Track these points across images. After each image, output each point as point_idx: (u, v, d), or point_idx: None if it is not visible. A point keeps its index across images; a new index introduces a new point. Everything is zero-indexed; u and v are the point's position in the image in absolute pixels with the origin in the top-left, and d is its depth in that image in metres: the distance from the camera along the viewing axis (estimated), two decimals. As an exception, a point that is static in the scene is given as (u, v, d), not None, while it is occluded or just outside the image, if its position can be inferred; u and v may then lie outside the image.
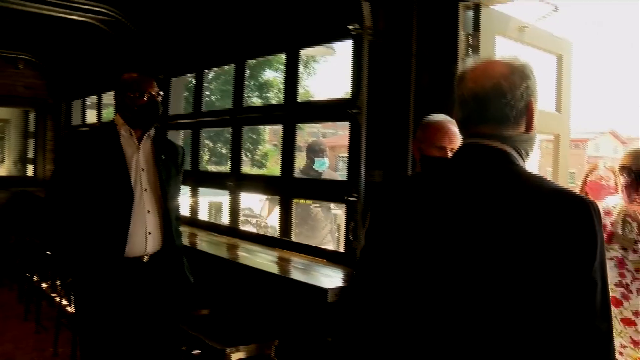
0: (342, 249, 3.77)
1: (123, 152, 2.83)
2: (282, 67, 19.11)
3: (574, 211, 1.15)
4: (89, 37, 5.83)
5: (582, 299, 1.13)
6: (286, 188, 3.99)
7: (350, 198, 3.32)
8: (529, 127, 1.30)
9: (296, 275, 3.30)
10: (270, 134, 33.67)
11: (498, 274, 1.17)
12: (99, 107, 7.10)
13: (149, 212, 2.85)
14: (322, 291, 2.82)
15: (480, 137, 1.29)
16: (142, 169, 2.87)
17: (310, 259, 3.61)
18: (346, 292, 2.80)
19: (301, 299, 3.14)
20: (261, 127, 25.25)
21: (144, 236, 2.83)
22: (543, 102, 3.33)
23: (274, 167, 28.50)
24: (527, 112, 1.28)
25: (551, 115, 3.34)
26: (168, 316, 3.03)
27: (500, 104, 1.27)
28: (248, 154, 26.95)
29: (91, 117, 7.71)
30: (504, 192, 1.21)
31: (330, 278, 3.09)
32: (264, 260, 3.64)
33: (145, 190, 2.86)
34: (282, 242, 3.95)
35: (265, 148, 30.91)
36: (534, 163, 3.77)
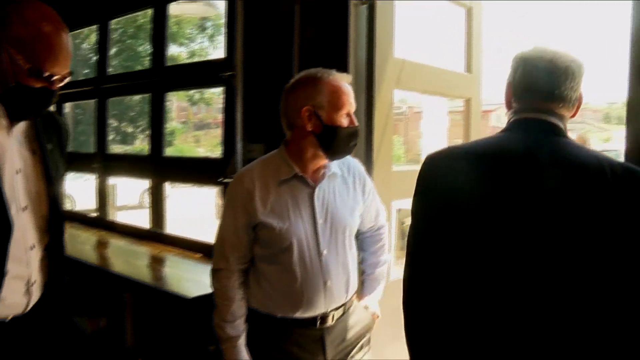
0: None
1: None
2: (187, 41, 18.10)
3: None
4: None
5: None
6: (155, 169, 3.33)
7: (226, 179, 2.72)
8: (574, 114, 1.40)
9: (161, 278, 2.68)
10: (178, 111, 32.48)
11: (574, 250, 1.22)
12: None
13: (32, 247, 1.57)
14: (185, 302, 2.24)
15: (546, 114, 1.35)
16: (18, 171, 1.57)
17: (184, 254, 3.05)
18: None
19: (167, 309, 2.53)
20: (167, 102, 23.91)
21: (23, 291, 1.57)
22: (451, 61, 2.82)
23: (182, 146, 27.48)
24: (579, 101, 1.38)
25: (461, 76, 2.87)
26: None
27: (568, 86, 1.34)
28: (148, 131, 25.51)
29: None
30: (578, 171, 1.26)
31: (197, 283, 2.51)
32: (132, 259, 3.00)
33: (25, 209, 1.57)
34: (154, 236, 3.30)
35: (172, 125, 29.74)
36: (443, 134, 3.38)
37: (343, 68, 2.27)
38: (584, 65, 1.37)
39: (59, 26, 1.50)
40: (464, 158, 1.35)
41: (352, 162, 1.98)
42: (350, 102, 1.79)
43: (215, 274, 1.86)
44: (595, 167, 1.24)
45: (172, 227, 3.50)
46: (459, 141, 2.95)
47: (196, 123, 32.29)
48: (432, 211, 1.35)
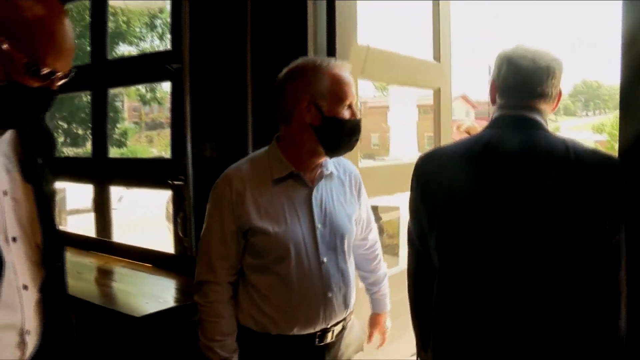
0: (172, 250, 2.88)
1: None
2: (136, 40, 17.60)
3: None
4: None
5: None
6: (99, 172, 3.04)
7: (176, 182, 2.46)
8: (554, 108, 1.50)
9: (108, 295, 2.41)
10: (130, 111, 31.80)
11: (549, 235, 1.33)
12: None
13: (25, 288, 1.25)
14: (135, 321, 1.99)
15: (527, 110, 1.44)
16: (4, 193, 1.25)
17: (133, 265, 2.79)
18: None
19: (115, 330, 2.26)
20: (118, 102, 23.30)
21: (15, 343, 1.25)
22: (419, 49, 2.63)
23: (135, 146, 26.89)
24: (559, 96, 1.48)
25: (429, 65, 2.69)
26: None
27: (549, 83, 1.44)
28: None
29: None
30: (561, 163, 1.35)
31: (149, 298, 2.24)
32: (76, 273, 2.71)
33: (14, 240, 1.24)
34: (101, 245, 3.02)
35: (124, 125, 29.05)
36: (412, 129, 3.19)
37: (301, 55, 2.05)
38: (563, 63, 1.47)
39: (60, 10, 1.18)
40: (451, 157, 1.49)
41: (347, 163, 1.80)
42: (353, 93, 1.65)
43: (200, 288, 1.65)
44: (561, 154, 1.35)
45: (127, 231, 3.22)
46: (428, 134, 2.79)
47: (148, 123, 31.69)
48: (427, 206, 1.51)
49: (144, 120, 29.59)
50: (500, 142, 1.42)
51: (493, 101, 1.52)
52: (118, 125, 26.64)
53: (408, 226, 1.63)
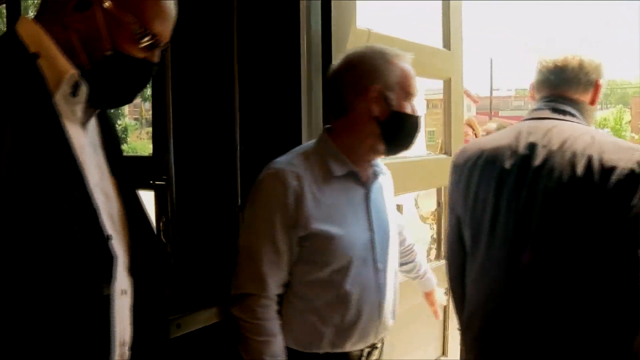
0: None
1: (71, 148, 1.00)
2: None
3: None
4: None
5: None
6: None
7: (157, 182, 2.21)
8: (593, 100, 1.57)
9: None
10: (130, 107, 31.64)
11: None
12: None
13: (124, 292, 1.08)
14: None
15: (559, 101, 1.55)
16: (95, 186, 1.05)
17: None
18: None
19: None
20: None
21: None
22: (427, 37, 2.38)
23: (135, 143, 26.75)
24: (595, 87, 1.56)
25: (439, 53, 2.44)
26: None
27: (579, 74, 1.54)
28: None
29: None
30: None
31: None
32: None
33: (109, 239, 1.03)
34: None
35: (125, 122, 28.83)
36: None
37: (293, 41, 1.80)
38: (597, 59, 1.56)
39: None
40: (484, 149, 1.58)
41: (381, 163, 1.69)
42: (418, 89, 1.57)
43: (242, 301, 1.46)
44: (584, 145, 1.41)
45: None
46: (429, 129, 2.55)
47: (149, 119, 31.53)
48: (462, 195, 1.61)
49: (144, 117, 29.37)
50: (530, 133, 1.51)
51: (532, 98, 1.65)
52: (118, 122, 26.50)
53: (448, 215, 1.74)
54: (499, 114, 47.40)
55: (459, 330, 1.75)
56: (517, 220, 1.47)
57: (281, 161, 1.51)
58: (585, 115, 1.55)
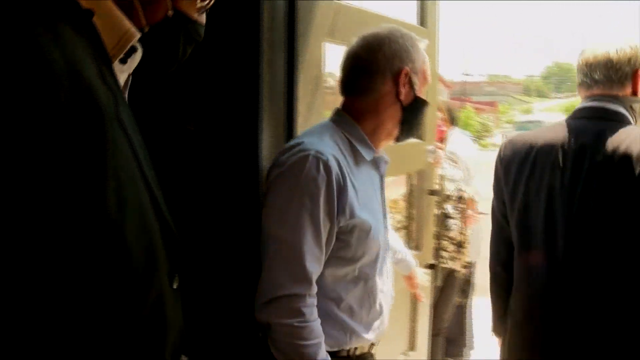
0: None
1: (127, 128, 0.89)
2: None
3: None
4: None
5: None
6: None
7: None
8: (635, 91, 1.61)
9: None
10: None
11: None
12: None
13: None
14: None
15: (593, 100, 1.65)
16: None
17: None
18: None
19: None
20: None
21: None
22: (401, 13, 2.21)
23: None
24: (634, 78, 1.60)
25: (414, 30, 2.27)
26: None
27: (610, 68, 1.60)
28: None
29: None
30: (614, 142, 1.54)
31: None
32: None
33: None
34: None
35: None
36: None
37: (253, 15, 1.60)
38: (629, 49, 1.58)
39: None
40: (532, 143, 1.70)
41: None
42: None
43: (285, 305, 1.30)
44: (637, 151, 1.49)
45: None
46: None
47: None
48: (508, 187, 1.73)
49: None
50: (580, 133, 1.62)
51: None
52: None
53: (492, 205, 1.85)
54: (472, 99, 47.75)
55: (509, 314, 1.82)
56: (573, 217, 1.58)
57: (313, 142, 1.36)
58: (633, 108, 1.62)
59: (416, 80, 1.46)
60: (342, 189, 1.33)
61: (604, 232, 1.53)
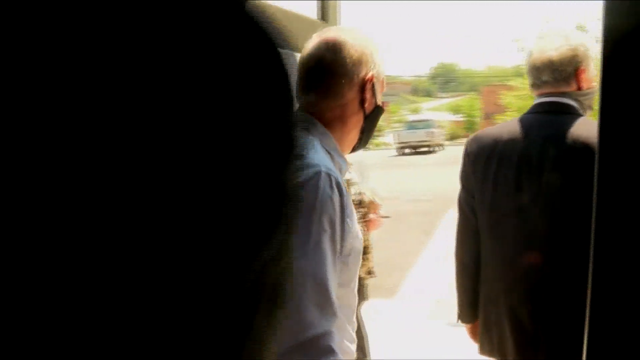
0: None
1: None
2: None
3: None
4: None
5: None
6: None
7: None
8: (579, 87, 1.79)
9: None
10: None
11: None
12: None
13: None
14: None
15: (545, 96, 1.84)
16: None
17: None
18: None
19: None
20: None
21: None
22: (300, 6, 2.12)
23: None
24: (575, 76, 1.78)
25: (313, 24, 2.12)
26: None
27: (555, 68, 1.78)
28: None
29: None
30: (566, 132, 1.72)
31: None
32: None
33: None
34: None
35: None
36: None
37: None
38: (569, 51, 1.75)
39: None
40: (497, 137, 1.83)
41: None
42: None
43: (318, 344, 1.14)
44: (584, 137, 1.68)
45: None
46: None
47: None
48: (477, 177, 1.86)
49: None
50: (541, 126, 1.78)
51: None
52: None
53: (459, 197, 1.95)
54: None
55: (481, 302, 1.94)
56: (544, 202, 1.71)
57: (320, 159, 1.22)
58: (581, 101, 1.80)
59: (378, 88, 1.36)
60: (349, 210, 1.24)
61: (571, 218, 1.66)
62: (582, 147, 1.65)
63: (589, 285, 1.39)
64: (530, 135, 1.78)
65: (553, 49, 1.78)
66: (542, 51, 1.81)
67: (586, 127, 1.70)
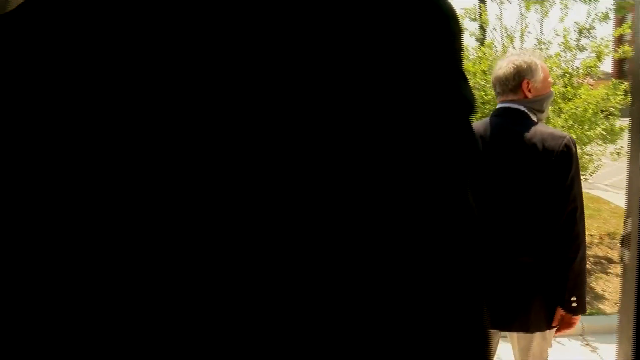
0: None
1: None
2: None
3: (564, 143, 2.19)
4: None
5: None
6: None
7: None
8: (525, 96, 2.31)
9: None
10: None
11: (520, 174, 2.22)
12: None
13: None
14: None
15: (503, 103, 2.37)
16: None
17: None
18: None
19: None
20: None
21: None
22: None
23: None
24: (520, 87, 2.29)
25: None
26: None
27: (509, 80, 2.32)
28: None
29: None
30: (522, 134, 2.23)
31: None
32: None
33: None
34: None
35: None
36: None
37: None
38: (510, 68, 2.30)
39: None
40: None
41: None
42: None
43: None
44: (528, 138, 2.23)
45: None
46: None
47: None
48: None
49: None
50: (497, 126, 2.28)
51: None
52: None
53: None
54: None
55: None
56: (506, 194, 2.19)
57: None
58: (530, 106, 2.29)
59: None
60: None
61: (523, 190, 2.18)
62: (534, 147, 2.16)
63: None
64: (495, 135, 2.26)
65: (503, 67, 2.32)
66: (496, 69, 2.37)
67: (539, 130, 2.21)
